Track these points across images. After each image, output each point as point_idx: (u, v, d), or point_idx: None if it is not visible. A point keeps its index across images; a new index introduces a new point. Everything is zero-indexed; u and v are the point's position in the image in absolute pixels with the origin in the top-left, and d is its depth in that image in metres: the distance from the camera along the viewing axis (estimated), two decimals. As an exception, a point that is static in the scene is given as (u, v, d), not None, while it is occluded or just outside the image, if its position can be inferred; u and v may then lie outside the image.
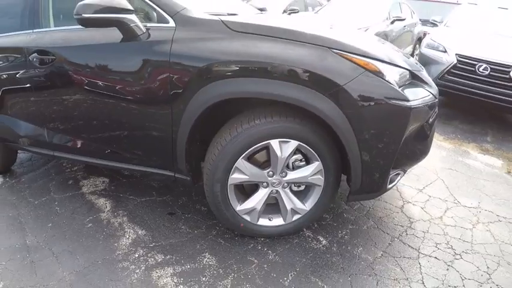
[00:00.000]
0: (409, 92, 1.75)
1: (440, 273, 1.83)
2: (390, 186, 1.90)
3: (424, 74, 2.06)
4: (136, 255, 1.96)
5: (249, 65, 1.66)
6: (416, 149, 1.96)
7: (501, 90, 3.82)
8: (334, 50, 1.64)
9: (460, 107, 4.91)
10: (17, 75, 2.45)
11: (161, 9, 1.82)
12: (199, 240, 2.05)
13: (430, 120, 1.94)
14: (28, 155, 3.42)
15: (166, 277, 1.81)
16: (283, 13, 7.41)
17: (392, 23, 6.16)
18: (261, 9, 3.17)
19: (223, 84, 1.68)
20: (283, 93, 1.64)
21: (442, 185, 2.72)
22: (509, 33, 4.48)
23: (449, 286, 1.76)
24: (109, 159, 2.25)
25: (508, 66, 3.79)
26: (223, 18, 1.78)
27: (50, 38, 2.23)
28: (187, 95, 1.74)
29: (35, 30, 2.32)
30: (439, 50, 4.25)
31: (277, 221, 1.99)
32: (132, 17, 1.78)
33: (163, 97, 1.80)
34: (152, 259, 1.93)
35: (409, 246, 2.02)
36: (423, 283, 1.76)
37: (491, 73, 3.85)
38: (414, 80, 1.92)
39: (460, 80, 4.03)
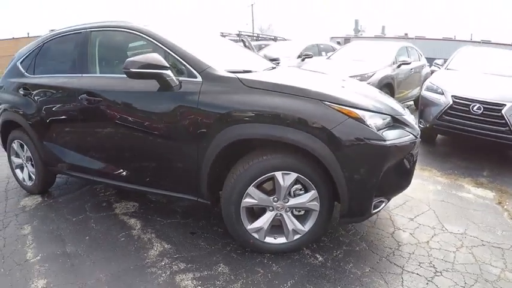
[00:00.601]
0: (389, 133, 2.19)
1: (420, 286, 2.17)
2: (374, 211, 2.30)
3: (406, 117, 2.49)
4: (163, 263, 2.39)
5: (259, 114, 2.16)
6: (397, 180, 2.37)
7: (494, 127, 4.15)
8: (325, 102, 2.12)
9: (457, 145, 5.27)
10: (66, 110, 3.04)
11: (191, 67, 2.37)
12: (216, 254, 2.47)
13: (409, 156, 2.35)
14: (64, 179, 3.97)
15: (187, 280, 2.23)
16: (298, 58, 8.04)
17: (398, 66, 6.65)
18: (275, 59, 3.73)
19: (239, 128, 2.18)
20: (285, 135, 2.11)
21: (433, 215, 3.07)
22: (503, 73, 4.88)
23: (425, 297, 2.10)
24: (142, 185, 2.74)
25: (500, 105, 4.14)
26: (239, 75, 2.30)
27: (97, 83, 2.82)
28: (210, 135, 2.23)
29: (84, 75, 2.92)
30: (437, 92, 4.66)
31: (281, 240, 2.40)
32: (168, 72, 2.33)
33: (191, 136, 2.30)
34: (176, 266, 2.36)
35: (394, 264, 2.37)
36: (403, 293, 2.12)
37: (484, 112, 4.20)
38: (396, 123, 2.36)
39: (456, 119, 4.39)
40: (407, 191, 3.11)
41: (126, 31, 2.80)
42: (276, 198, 2.28)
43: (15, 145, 3.67)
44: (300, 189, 2.29)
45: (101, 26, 3.03)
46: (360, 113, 2.12)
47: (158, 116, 2.45)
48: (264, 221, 2.32)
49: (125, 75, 2.42)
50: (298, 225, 2.35)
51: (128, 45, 2.95)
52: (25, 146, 3.52)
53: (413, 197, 3.36)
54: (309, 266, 2.34)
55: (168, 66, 2.33)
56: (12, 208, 3.41)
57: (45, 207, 3.39)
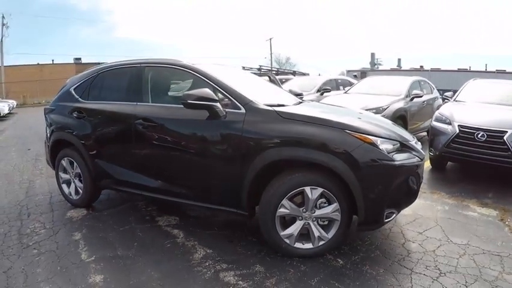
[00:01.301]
0: (397, 156, 2.74)
1: (426, 283, 2.60)
2: (386, 220, 2.80)
3: (412, 143, 3.03)
4: (207, 264, 2.89)
5: (292, 139, 2.74)
6: (404, 194, 2.87)
7: (497, 152, 4.61)
8: (346, 130, 2.70)
9: (466, 171, 5.73)
10: (121, 133, 3.61)
11: (236, 100, 2.98)
12: (252, 258, 2.97)
13: (415, 174, 2.87)
14: (106, 196, 4.54)
15: (230, 277, 2.71)
16: (317, 92, 8.78)
17: (411, 99, 7.23)
18: (299, 95, 4.36)
19: (277, 151, 2.76)
20: (314, 157, 2.68)
21: (440, 230, 3.51)
22: (506, 103, 5.42)
23: (432, 292, 2.55)
24: (190, 200, 3.29)
25: (502, 132, 4.62)
26: (276, 109, 2.90)
27: (152, 110, 3.42)
28: (252, 157, 2.80)
29: (138, 103, 3.52)
30: (445, 123, 5.18)
31: (308, 245, 2.89)
32: (218, 104, 2.93)
33: (236, 158, 2.87)
34: (219, 266, 2.85)
35: (404, 267, 2.82)
36: (411, 288, 2.58)
37: (487, 139, 4.68)
38: (404, 148, 2.90)
39: (463, 146, 4.87)
40: (418, 210, 3.61)
41: (178, 68, 3.45)
42: (304, 209, 2.79)
43: (64, 162, 4.19)
44: (324, 202, 2.80)
45: (154, 62, 3.67)
46: (373, 138, 2.68)
47: (207, 140, 3.05)
48: (294, 228, 2.83)
49: (177, 105, 3.07)
50: (323, 233, 2.84)
51: (175, 79, 3.60)
52: (75, 163, 4.05)
53: (422, 215, 3.82)
54: (332, 267, 2.81)
55: (218, 99, 2.94)
56: (59, 218, 3.94)
57: (92, 218, 3.93)
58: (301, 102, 3.75)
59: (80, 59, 42.47)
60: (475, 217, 3.87)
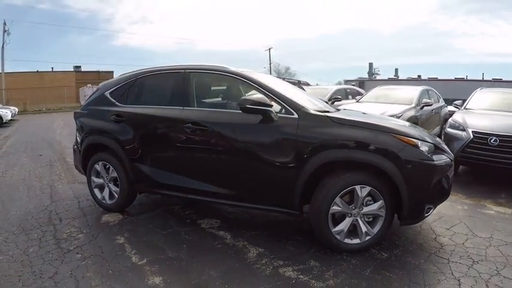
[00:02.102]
0: (434, 157, 3.17)
1: (463, 270, 3.00)
2: (426, 215, 3.21)
3: (443, 146, 3.49)
4: (263, 261, 3.20)
5: (343, 142, 3.13)
6: (440, 191, 3.29)
7: (509, 155, 5.10)
8: (392, 134, 3.12)
9: (479, 174, 6.23)
10: (167, 136, 3.73)
11: (289, 106, 3.34)
12: (304, 254, 3.32)
13: (448, 174, 3.30)
14: (138, 201, 4.62)
15: (289, 272, 3.04)
16: (328, 100, 9.25)
17: (422, 108, 7.77)
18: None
19: (330, 153, 3.14)
20: (364, 157, 3.07)
21: (464, 226, 3.94)
22: None
23: (470, 276, 2.91)
24: (239, 201, 3.59)
25: None
26: (328, 114, 3.32)
27: (200, 114, 3.67)
28: (306, 159, 3.16)
29: (185, 108, 3.71)
30: (459, 129, 5.69)
31: (356, 241, 3.26)
32: (272, 109, 3.28)
33: (290, 159, 3.22)
34: (276, 263, 3.17)
35: (441, 257, 3.22)
36: (452, 274, 2.96)
37: (500, 143, 5.18)
38: (437, 150, 3.33)
39: (477, 151, 5.37)
40: (441, 209, 4.03)
41: (227, 75, 3.75)
42: (353, 207, 3.18)
43: (98, 166, 4.28)
44: (370, 200, 3.19)
45: (200, 68, 3.93)
46: (415, 141, 3.13)
47: (261, 143, 3.36)
48: (344, 225, 3.21)
49: (226, 110, 3.52)
50: (369, 229, 3.23)
51: (221, 84, 3.93)
52: (110, 167, 4.16)
53: (446, 214, 4.25)
54: (379, 260, 3.20)
55: (272, 105, 3.30)
56: (94, 223, 4.06)
57: (129, 223, 4.06)
58: (339, 110, 4.13)
59: (79, 67, 43.09)
60: (493, 215, 4.33)
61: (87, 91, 28.02)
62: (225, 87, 4.23)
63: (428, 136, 3.46)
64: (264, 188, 3.43)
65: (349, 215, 3.21)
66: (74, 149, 4.91)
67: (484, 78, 31.01)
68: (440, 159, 3.23)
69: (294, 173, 3.22)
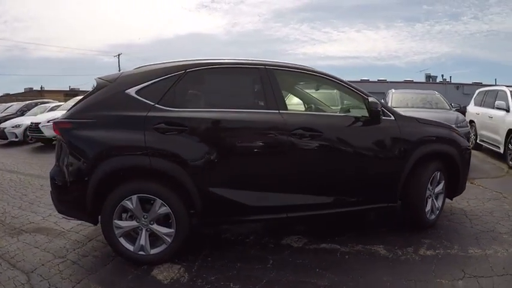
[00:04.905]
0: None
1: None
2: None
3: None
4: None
5: (431, 137, 4.07)
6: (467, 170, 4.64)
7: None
8: (453, 129, 4.33)
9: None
10: (266, 147, 3.38)
11: (388, 111, 3.93)
12: (403, 239, 3.90)
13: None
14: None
15: (381, 250, 3.62)
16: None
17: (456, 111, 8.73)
18: None
19: (425, 147, 3.97)
20: (442, 148, 4.11)
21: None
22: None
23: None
24: (342, 207, 3.80)
25: None
26: (414, 116, 4.18)
27: (310, 119, 3.69)
28: (409, 153, 3.85)
29: (281, 111, 3.41)
30: None
31: (432, 217, 4.11)
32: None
33: (396, 155, 3.82)
34: (373, 250, 3.66)
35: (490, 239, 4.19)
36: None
37: None
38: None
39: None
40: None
41: (317, 75, 3.89)
42: (431, 188, 4.06)
43: (130, 203, 3.20)
44: (438, 182, 4.18)
45: (281, 65, 3.69)
46: (464, 132, 4.43)
47: (375, 144, 3.78)
48: (430, 205, 4.07)
49: (334, 114, 4.12)
50: (439, 205, 4.21)
51: (307, 85, 4.43)
52: (157, 201, 3.21)
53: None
54: (435, 233, 4.02)
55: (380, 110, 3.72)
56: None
57: (206, 269, 3.28)
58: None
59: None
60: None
61: None
62: (318, 89, 4.51)
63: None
64: (372, 187, 3.82)
65: (429, 195, 4.09)
66: (55, 184, 3.43)
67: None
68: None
69: (400, 168, 3.82)
